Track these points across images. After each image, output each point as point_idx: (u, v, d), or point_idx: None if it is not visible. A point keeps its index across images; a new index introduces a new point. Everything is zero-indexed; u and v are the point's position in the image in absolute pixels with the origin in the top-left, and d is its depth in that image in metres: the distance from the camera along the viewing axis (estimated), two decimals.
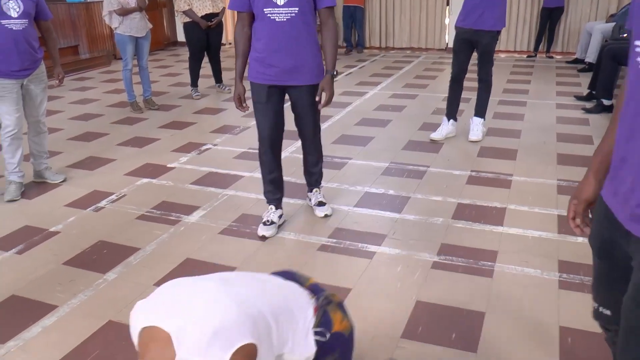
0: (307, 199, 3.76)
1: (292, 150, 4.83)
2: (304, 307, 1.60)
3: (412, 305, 2.68)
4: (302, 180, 3.81)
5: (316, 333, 1.57)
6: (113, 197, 4.15)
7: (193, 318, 1.29)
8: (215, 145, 5.23)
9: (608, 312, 1.57)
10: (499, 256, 3.09)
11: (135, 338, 1.36)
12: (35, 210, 3.98)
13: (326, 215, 3.61)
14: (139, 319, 1.34)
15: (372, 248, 3.24)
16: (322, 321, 1.61)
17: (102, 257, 3.29)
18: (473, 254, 3.13)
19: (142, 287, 2.93)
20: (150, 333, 1.30)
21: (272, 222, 3.44)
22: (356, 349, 2.30)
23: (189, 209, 3.85)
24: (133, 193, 4.20)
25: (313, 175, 3.63)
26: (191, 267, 3.11)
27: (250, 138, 5.11)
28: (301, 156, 3.64)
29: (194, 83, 7.21)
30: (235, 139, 5.41)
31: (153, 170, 4.64)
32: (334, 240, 3.34)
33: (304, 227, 3.52)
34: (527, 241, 3.25)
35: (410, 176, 4.30)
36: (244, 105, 3.32)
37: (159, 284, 2.93)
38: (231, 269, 3.06)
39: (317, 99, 3.18)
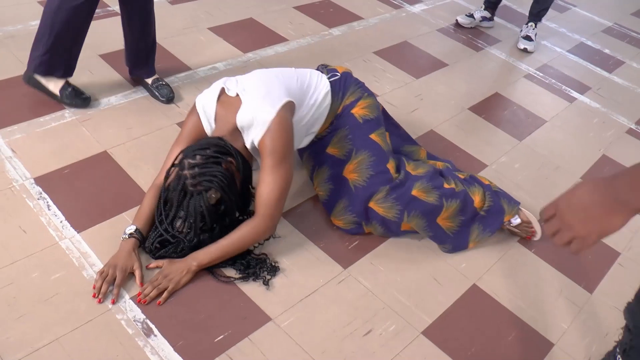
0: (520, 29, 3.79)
1: None
2: (319, 74, 2.10)
3: (597, 157, 2.80)
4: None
5: (329, 77, 2.09)
6: None
7: (253, 88, 1.86)
8: None
9: None
10: None
11: (212, 96, 1.88)
12: None
13: (525, 49, 3.64)
14: (219, 86, 1.89)
15: (574, 94, 3.30)
16: (328, 72, 2.14)
17: (329, 14, 3.59)
18: None
19: (361, 51, 3.24)
20: (226, 97, 1.88)
21: (471, 15, 3.79)
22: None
23: (415, 1, 4.02)
24: None
25: (537, 7, 3.64)
26: (406, 49, 3.35)
27: None
28: None
29: None
30: None
31: None
32: (541, 75, 3.41)
33: (514, 52, 3.60)
34: None
35: (632, 43, 4.12)
36: None
37: (379, 53, 3.24)
38: (439, 63, 3.28)
39: None
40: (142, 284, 1.69)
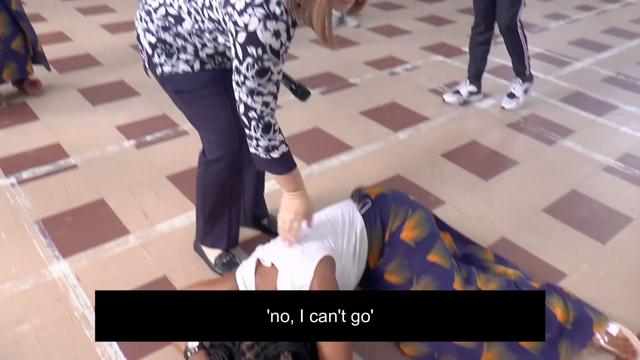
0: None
1: None
2: (350, 208, 2.02)
3: None
4: None
5: (362, 207, 2.02)
6: (408, 66, 4.40)
7: (286, 253, 1.77)
8: None
9: None
10: None
11: (249, 268, 1.79)
12: (337, 61, 4.41)
13: (502, 108, 3.73)
14: (254, 257, 1.81)
15: None
16: (360, 200, 2.06)
17: (394, 116, 3.59)
18: None
19: (429, 155, 3.17)
20: (263, 268, 1.77)
21: (457, 92, 3.79)
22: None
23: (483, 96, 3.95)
24: (427, 66, 4.40)
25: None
26: (475, 149, 3.25)
27: None
28: None
29: None
30: None
31: (448, 50, 4.76)
32: (622, 165, 3.18)
33: (591, 143, 3.40)
34: None
35: None
36: None
37: (446, 156, 3.16)
38: (509, 161, 3.14)
39: None
40: None
